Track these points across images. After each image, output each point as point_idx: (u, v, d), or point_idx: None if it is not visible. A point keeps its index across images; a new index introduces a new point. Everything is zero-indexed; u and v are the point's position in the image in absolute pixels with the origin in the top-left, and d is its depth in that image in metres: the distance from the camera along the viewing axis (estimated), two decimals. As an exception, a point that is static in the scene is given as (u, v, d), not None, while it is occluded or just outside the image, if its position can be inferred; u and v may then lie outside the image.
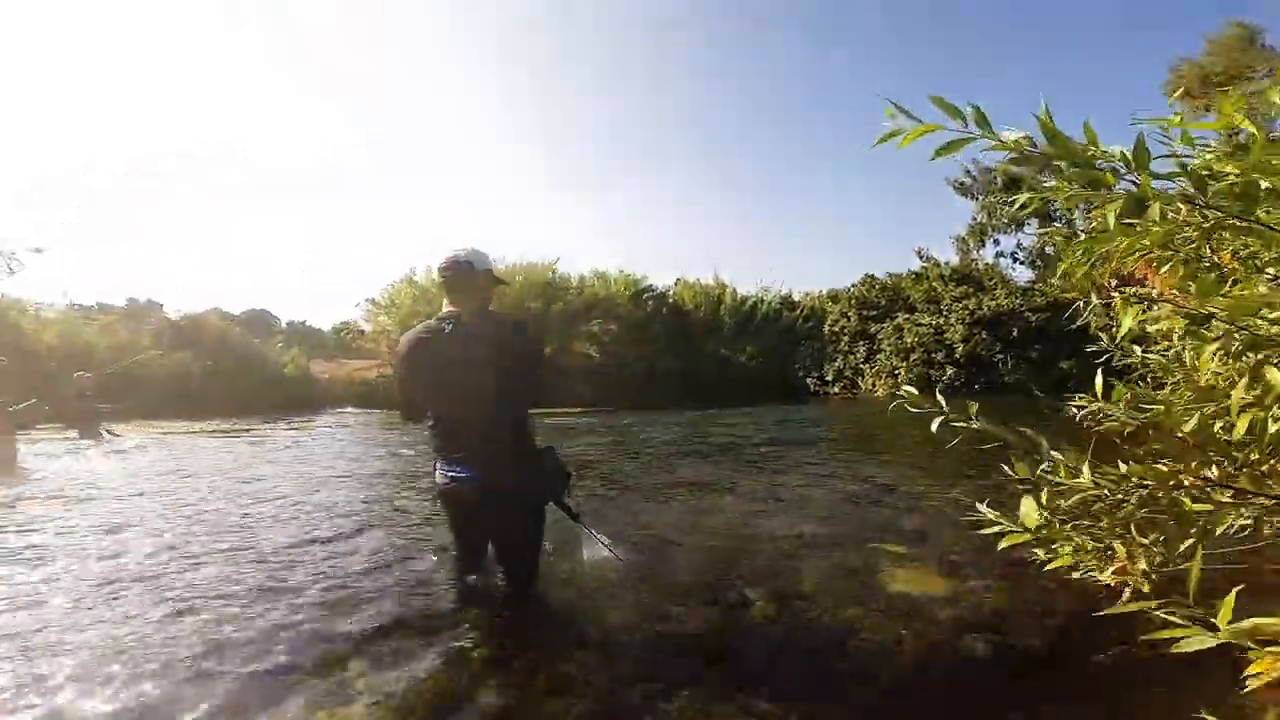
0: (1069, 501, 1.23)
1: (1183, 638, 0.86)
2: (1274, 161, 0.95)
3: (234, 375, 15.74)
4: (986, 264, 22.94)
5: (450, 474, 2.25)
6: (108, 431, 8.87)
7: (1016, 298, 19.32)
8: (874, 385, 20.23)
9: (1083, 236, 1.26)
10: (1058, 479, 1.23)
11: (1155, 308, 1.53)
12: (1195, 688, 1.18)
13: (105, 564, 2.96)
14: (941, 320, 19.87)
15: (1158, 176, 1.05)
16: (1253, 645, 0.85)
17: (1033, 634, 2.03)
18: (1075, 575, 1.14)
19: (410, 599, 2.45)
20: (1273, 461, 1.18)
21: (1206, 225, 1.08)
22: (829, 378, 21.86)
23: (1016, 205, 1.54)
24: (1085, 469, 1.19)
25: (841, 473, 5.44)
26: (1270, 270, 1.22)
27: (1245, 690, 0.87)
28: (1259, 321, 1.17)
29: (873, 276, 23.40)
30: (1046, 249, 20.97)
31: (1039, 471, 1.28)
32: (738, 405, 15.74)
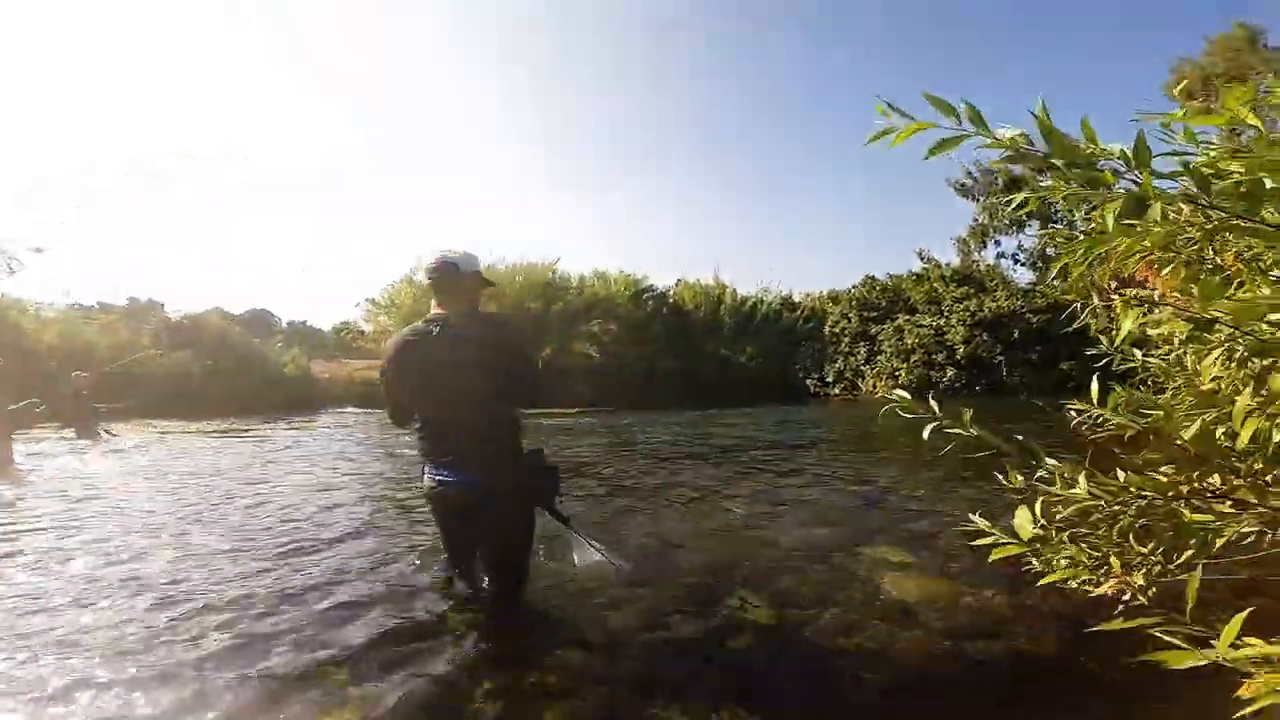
0: (1067, 511, 1.20)
1: (1177, 657, 0.83)
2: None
3: (234, 375, 15.76)
4: (988, 265, 22.93)
5: (438, 477, 2.21)
6: (105, 431, 8.86)
7: (1018, 299, 19.28)
8: (874, 386, 20.18)
9: (1082, 237, 1.22)
10: (1053, 490, 1.19)
11: (1156, 311, 1.49)
12: (1195, 692, 1.15)
13: (102, 565, 2.93)
14: (942, 321, 19.83)
15: (1159, 175, 1.01)
16: (1250, 668, 0.81)
17: (1031, 640, 2.03)
18: (1072, 590, 1.11)
19: (406, 602, 2.43)
20: (1277, 471, 1.15)
21: (1210, 226, 1.04)
22: (829, 379, 21.83)
23: (1013, 206, 1.52)
24: (1081, 479, 1.15)
25: (842, 474, 5.40)
26: (1276, 273, 1.18)
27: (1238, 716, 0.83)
28: (1264, 326, 1.14)
29: (873, 277, 23.39)
30: (1048, 250, 20.92)
31: (1035, 479, 1.25)
32: (737, 406, 15.72)
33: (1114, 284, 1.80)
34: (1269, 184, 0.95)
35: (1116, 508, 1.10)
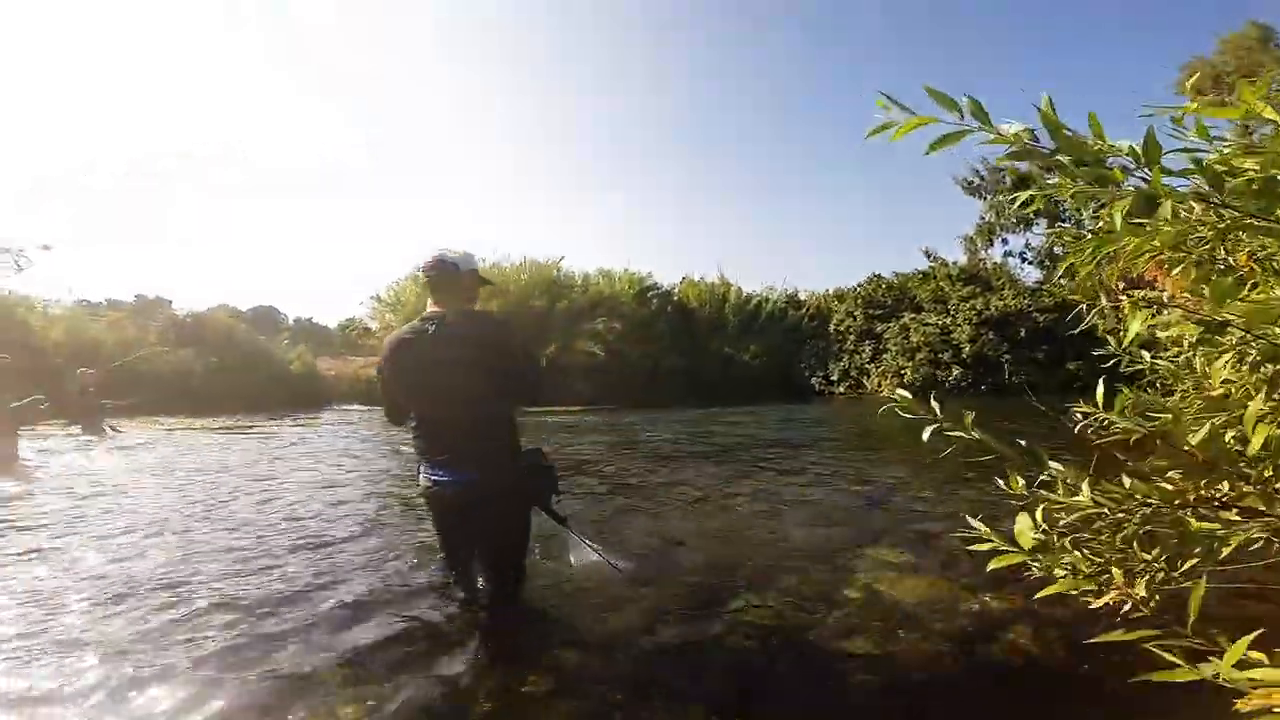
0: (1070, 517, 1.17)
1: (1175, 676, 0.80)
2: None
3: (240, 371, 15.81)
4: (994, 264, 22.77)
5: (434, 477, 2.20)
6: (111, 428, 8.91)
7: (1024, 298, 19.15)
8: (879, 385, 20.09)
9: (1090, 236, 1.19)
10: (1056, 496, 1.16)
11: (1165, 312, 1.46)
12: (1194, 706, 1.13)
13: (107, 562, 2.94)
14: (948, 320, 19.72)
15: (1169, 173, 0.98)
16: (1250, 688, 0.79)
17: (1031, 645, 2.02)
18: (1074, 594, 1.09)
19: (407, 602, 2.44)
20: (1288, 477, 1.12)
21: (1222, 225, 1.01)
22: (834, 377, 21.74)
23: (1018, 204, 1.48)
24: (1085, 486, 1.12)
25: (844, 474, 5.37)
26: (1289, 274, 1.15)
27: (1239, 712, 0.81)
28: (1277, 330, 1.10)
29: (879, 276, 23.27)
30: (1055, 249, 20.76)
31: (1038, 484, 1.22)
32: (741, 404, 15.69)
33: (1122, 284, 1.76)
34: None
35: (1121, 515, 1.07)
